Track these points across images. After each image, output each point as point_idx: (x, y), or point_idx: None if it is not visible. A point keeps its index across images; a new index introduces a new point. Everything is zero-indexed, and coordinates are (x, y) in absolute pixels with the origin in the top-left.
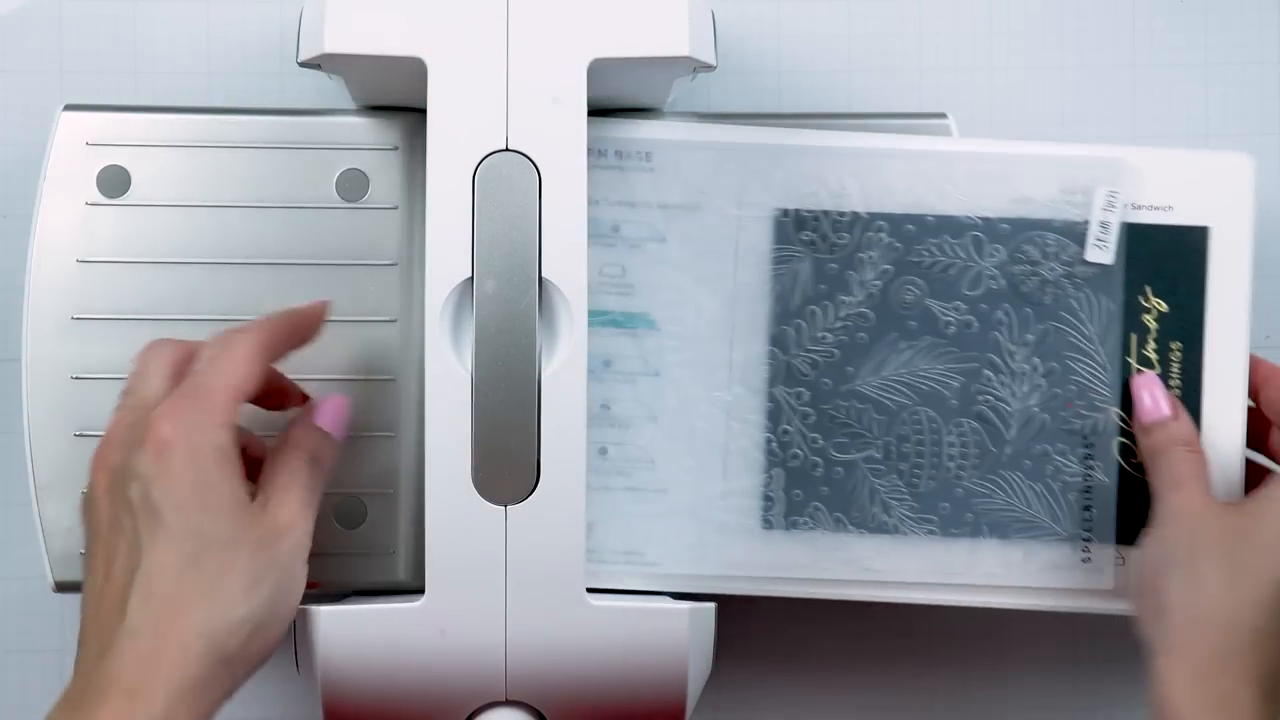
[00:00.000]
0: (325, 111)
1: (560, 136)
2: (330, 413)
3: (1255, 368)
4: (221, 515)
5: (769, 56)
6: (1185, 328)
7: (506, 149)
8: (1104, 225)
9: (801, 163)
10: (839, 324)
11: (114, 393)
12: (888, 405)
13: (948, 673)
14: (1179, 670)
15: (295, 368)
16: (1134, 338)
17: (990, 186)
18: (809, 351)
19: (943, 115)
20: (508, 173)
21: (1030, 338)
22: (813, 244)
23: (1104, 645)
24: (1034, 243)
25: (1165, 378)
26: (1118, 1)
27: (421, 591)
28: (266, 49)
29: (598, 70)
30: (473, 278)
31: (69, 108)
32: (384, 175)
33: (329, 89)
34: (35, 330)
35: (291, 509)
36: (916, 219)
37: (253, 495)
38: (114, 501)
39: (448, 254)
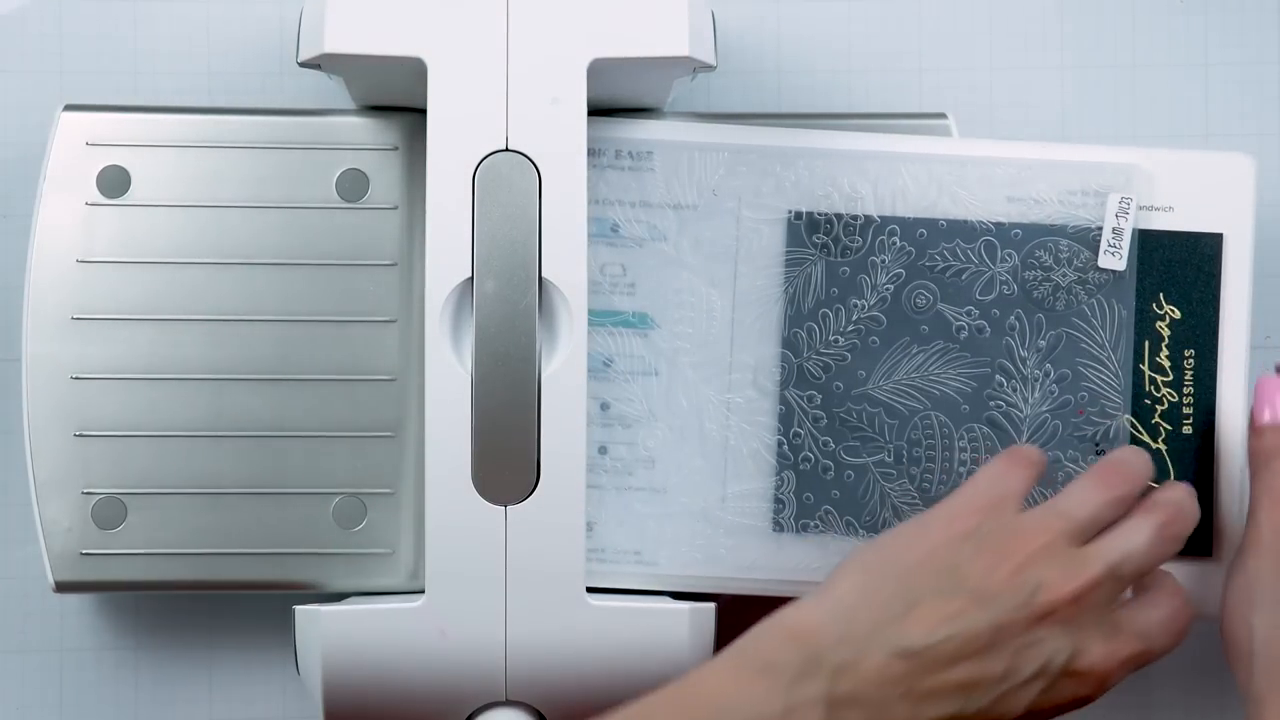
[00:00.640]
0: (325, 111)
1: (560, 136)
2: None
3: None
4: None
5: (769, 56)
6: (1198, 335)
7: (506, 149)
8: (1116, 231)
9: (814, 165)
10: (851, 327)
11: (114, 393)
12: (899, 409)
13: None
14: None
15: (295, 368)
16: (1147, 344)
17: (1003, 191)
18: (821, 355)
19: (943, 115)
20: (508, 173)
21: (1042, 343)
22: (825, 247)
23: None
24: (1046, 248)
25: (1179, 386)
26: (1118, 1)
27: (421, 592)
28: (266, 49)
29: (598, 70)
30: (473, 278)
31: (69, 108)
32: (384, 175)
33: (329, 89)
34: (35, 330)
35: None
36: (929, 223)
37: None
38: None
39: (448, 254)
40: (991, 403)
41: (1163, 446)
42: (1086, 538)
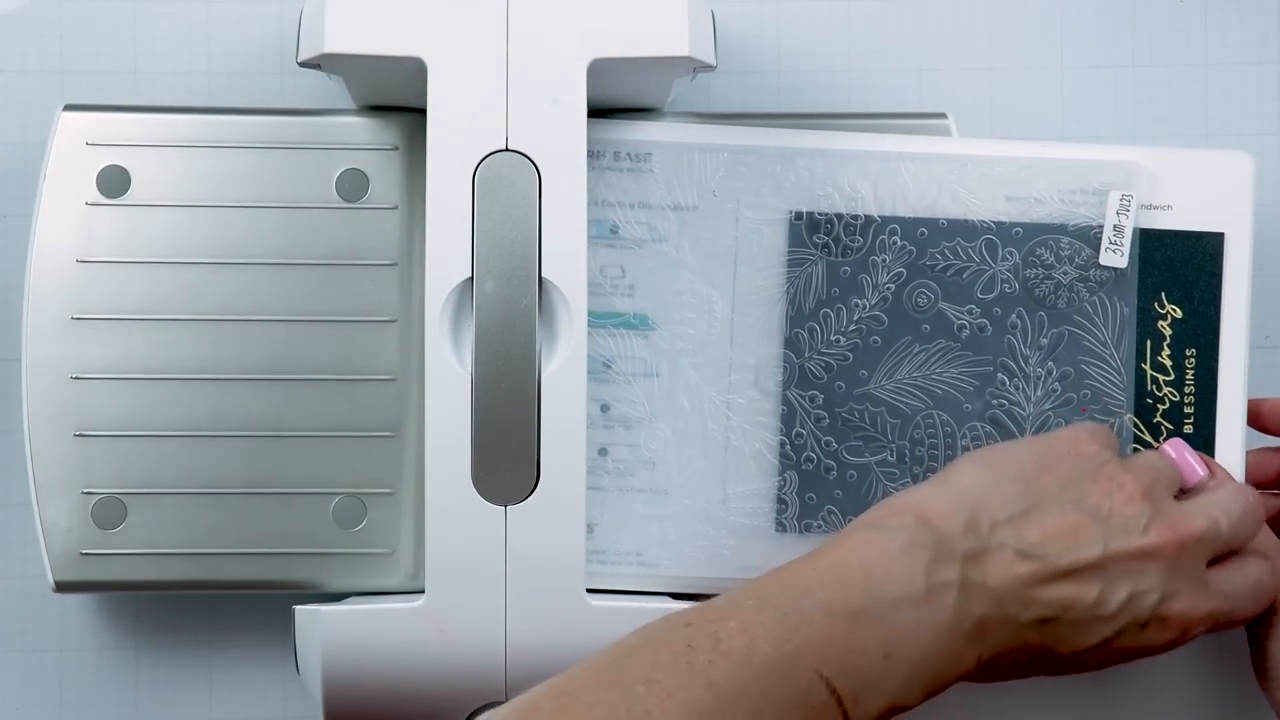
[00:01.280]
0: (325, 111)
1: (560, 136)
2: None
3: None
4: None
5: (769, 56)
6: (1200, 335)
7: (506, 149)
8: (1118, 229)
9: (814, 166)
10: (852, 327)
11: (114, 393)
12: (901, 409)
13: None
14: None
15: (295, 368)
16: (1149, 344)
17: (1003, 190)
18: (822, 355)
19: (943, 115)
20: (508, 173)
21: (1044, 342)
22: (826, 247)
23: None
24: (1047, 246)
25: (1180, 386)
26: (1118, 1)
27: (421, 592)
28: (266, 49)
29: (598, 70)
30: (473, 278)
31: (69, 108)
32: (384, 175)
33: (329, 89)
34: (35, 330)
35: None
36: (930, 222)
37: None
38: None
39: (447, 254)
40: (994, 401)
41: None
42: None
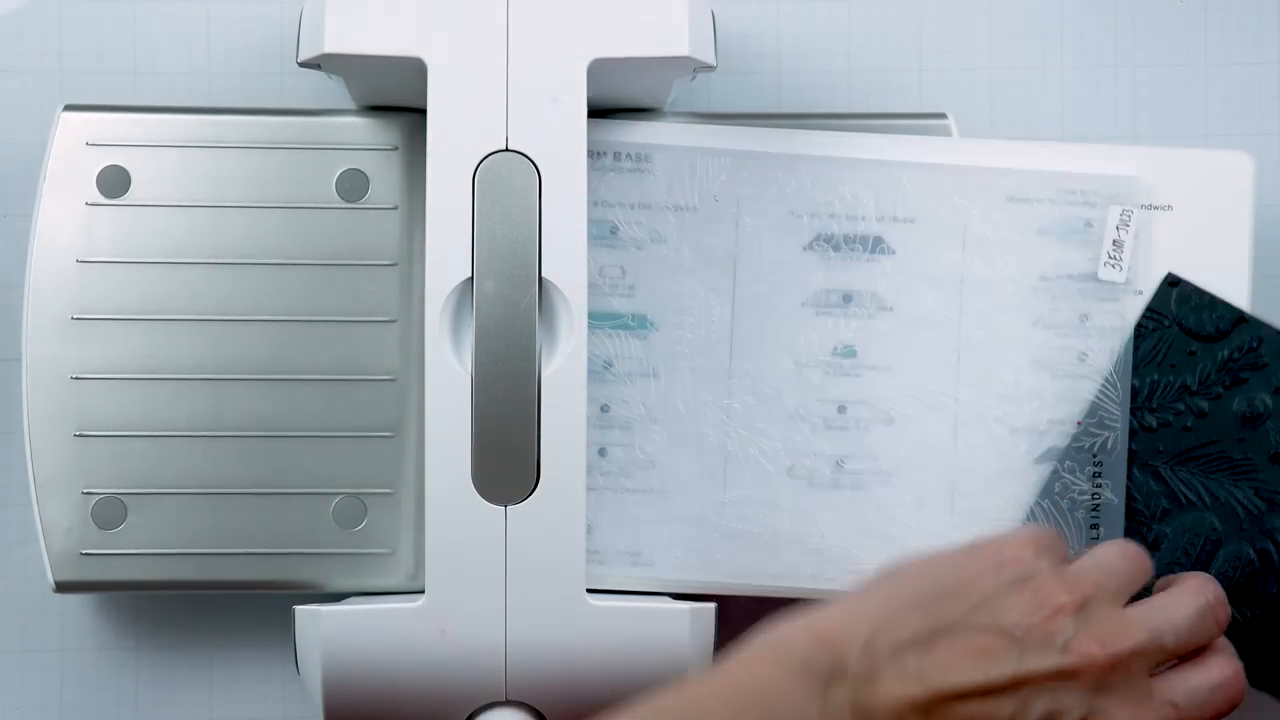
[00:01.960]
0: (325, 111)
1: (560, 136)
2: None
3: None
4: None
5: (769, 56)
6: None
7: (506, 149)
8: (1117, 244)
9: (816, 171)
10: (851, 334)
11: (114, 393)
12: (897, 417)
13: None
14: None
15: (295, 368)
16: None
17: (1004, 201)
18: (820, 361)
19: (943, 115)
20: (508, 173)
21: (1040, 353)
22: (827, 253)
23: None
24: (1046, 259)
25: None
26: (1118, 1)
27: (421, 592)
28: (266, 49)
29: (598, 70)
30: (473, 278)
31: (69, 108)
32: (384, 175)
33: (329, 89)
34: (35, 330)
35: None
36: (930, 230)
37: None
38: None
39: (447, 254)
40: (990, 413)
41: None
42: (1127, 600)
